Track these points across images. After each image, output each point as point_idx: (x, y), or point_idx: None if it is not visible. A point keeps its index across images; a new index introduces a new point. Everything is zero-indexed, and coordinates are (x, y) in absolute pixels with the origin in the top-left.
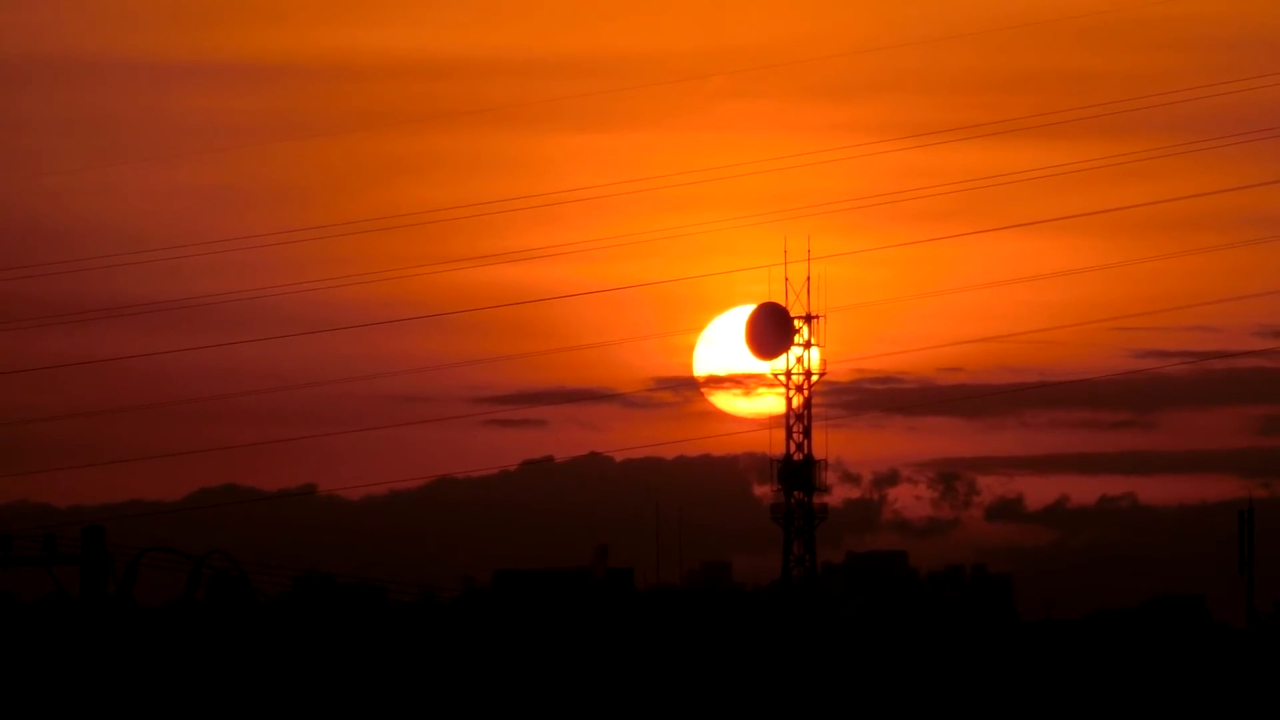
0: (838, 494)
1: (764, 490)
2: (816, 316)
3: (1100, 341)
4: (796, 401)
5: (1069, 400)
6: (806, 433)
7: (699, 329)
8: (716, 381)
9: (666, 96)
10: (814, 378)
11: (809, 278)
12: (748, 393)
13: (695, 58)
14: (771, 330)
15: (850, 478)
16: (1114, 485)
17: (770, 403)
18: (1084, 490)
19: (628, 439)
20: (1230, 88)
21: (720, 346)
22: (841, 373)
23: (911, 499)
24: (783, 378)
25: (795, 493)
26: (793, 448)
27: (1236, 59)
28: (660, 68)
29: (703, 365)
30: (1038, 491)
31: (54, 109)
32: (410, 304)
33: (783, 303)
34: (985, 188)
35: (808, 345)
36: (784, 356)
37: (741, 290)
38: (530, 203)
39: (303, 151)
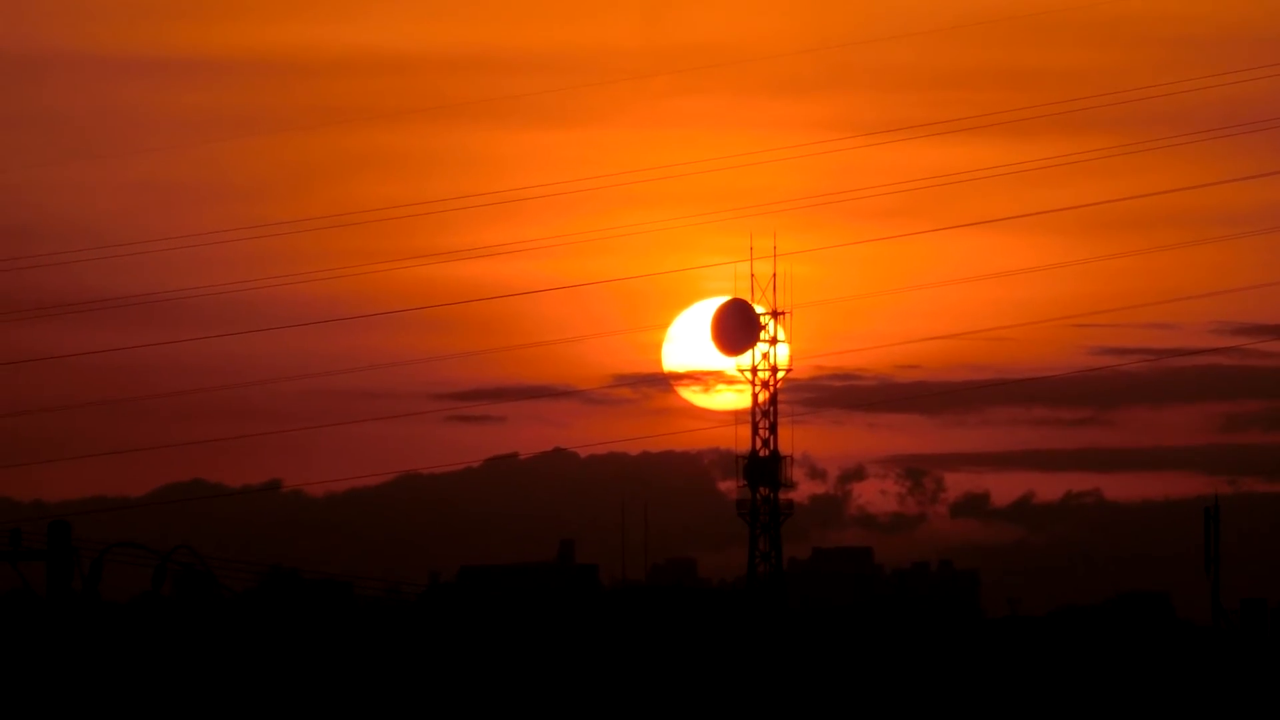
0: (803, 490)
1: (729, 486)
2: (783, 312)
3: (1058, 339)
4: (762, 397)
5: (1028, 397)
6: (772, 428)
7: (660, 325)
8: (681, 377)
9: (616, 93)
10: (780, 374)
11: (775, 274)
12: (711, 389)
13: (641, 55)
14: (738, 326)
15: (816, 474)
16: (1079, 482)
17: (734, 398)
18: (1049, 487)
19: (592, 435)
20: (1185, 85)
21: (685, 342)
22: (801, 370)
23: (877, 495)
24: (748, 373)
25: (761, 488)
26: (758, 443)
27: (1190, 57)
28: (608, 65)
29: (668, 361)
30: (1002, 488)
31: (9, 104)
32: (371, 300)
33: (748, 298)
34: (941, 185)
35: (773, 341)
36: (750, 352)
37: (703, 287)
38: (489, 199)
39: (261, 148)
